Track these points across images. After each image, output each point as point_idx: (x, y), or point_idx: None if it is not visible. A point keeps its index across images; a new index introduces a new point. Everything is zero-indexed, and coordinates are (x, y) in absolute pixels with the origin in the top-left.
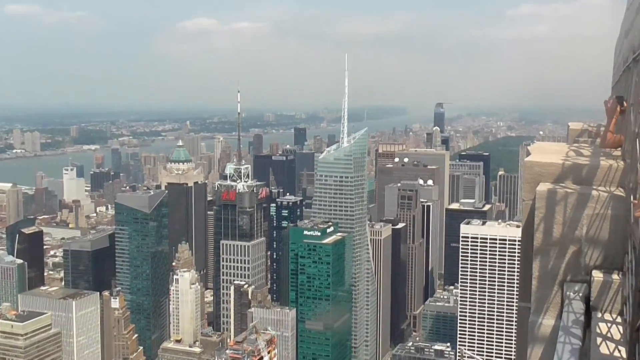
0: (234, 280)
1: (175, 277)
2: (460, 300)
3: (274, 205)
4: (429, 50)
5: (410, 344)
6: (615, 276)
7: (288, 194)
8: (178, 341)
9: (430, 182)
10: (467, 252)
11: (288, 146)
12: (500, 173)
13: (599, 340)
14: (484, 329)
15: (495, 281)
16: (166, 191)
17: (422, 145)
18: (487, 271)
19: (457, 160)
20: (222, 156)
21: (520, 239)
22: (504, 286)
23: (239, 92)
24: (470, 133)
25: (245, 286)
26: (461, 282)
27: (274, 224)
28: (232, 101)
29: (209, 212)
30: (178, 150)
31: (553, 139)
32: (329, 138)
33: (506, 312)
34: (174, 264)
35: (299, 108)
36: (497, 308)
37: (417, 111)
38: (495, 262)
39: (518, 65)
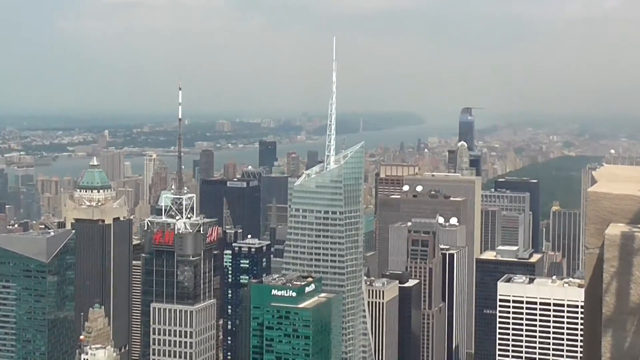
0: None
1: (84, 356)
2: None
3: (229, 252)
4: (449, 34)
5: None
6: None
7: (250, 236)
8: None
9: (454, 220)
10: (508, 323)
11: (250, 167)
12: (554, 208)
13: None
14: None
15: None
16: (73, 231)
17: (442, 167)
18: (537, 350)
19: (493, 190)
20: (156, 181)
21: (583, 304)
22: None
23: (180, 89)
24: (510, 151)
25: None
26: None
27: (229, 280)
28: (170, 103)
29: (134, 262)
30: (91, 171)
31: (629, 160)
32: (309, 156)
33: None
34: (82, 337)
35: (266, 113)
36: None
37: (435, 119)
38: (548, 338)
39: (578, 56)
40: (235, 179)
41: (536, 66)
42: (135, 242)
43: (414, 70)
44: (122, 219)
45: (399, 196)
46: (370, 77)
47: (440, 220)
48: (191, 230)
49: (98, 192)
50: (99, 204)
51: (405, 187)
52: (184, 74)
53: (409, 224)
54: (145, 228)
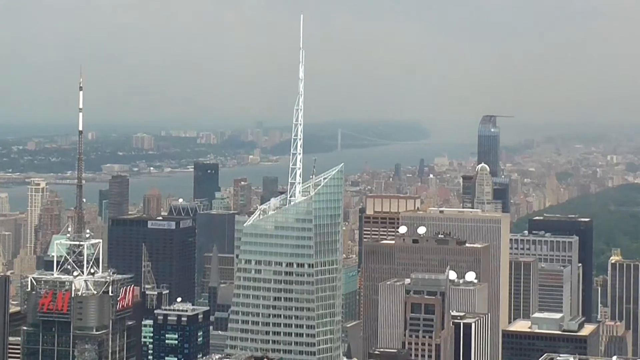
0: None
1: None
2: None
3: (150, 322)
4: (463, 18)
5: None
6: None
7: (179, 299)
8: None
9: (471, 276)
10: None
11: (182, 200)
12: (613, 259)
13: None
14: None
15: None
16: None
17: (455, 200)
18: None
19: (526, 233)
20: (45, 220)
21: None
22: None
23: (81, 89)
24: (551, 177)
25: None
26: None
27: None
28: (67, 110)
29: (11, 339)
30: None
31: None
32: (265, 184)
33: None
34: None
35: (204, 124)
36: None
37: (444, 132)
38: None
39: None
40: (160, 218)
41: (585, 60)
42: (13, 309)
43: (414, 63)
44: None
45: (392, 241)
46: (353, 73)
47: (452, 275)
48: (95, 292)
49: None
50: None
51: (402, 229)
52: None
53: (407, 281)
54: (29, 289)
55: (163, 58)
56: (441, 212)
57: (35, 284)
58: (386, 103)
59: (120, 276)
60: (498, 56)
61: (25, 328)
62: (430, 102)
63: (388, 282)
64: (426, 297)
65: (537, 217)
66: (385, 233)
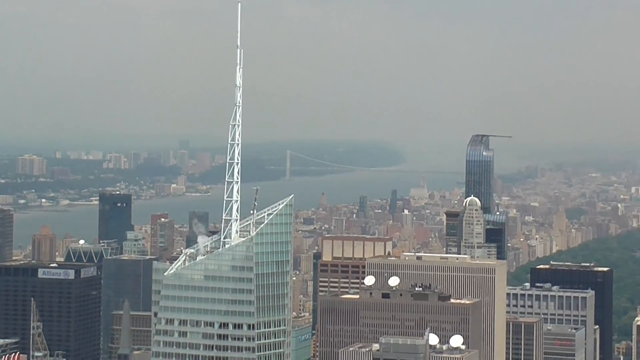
0: None
1: None
2: None
3: None
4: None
5: None
6: None
7: None
8: None
9: (457, 340)
10: None
11: (83, 242)
12: (639, 320)
13: None
14: None
15: None
16: None
17: (436, 242)
18: None
19: (528, 286)
20: None
21: None
22: None
23: None
24: (560, 215)
25: None
26: None
27: None
28: None
29: None
30: None
31: None
32: (192, 221)
33: None
34: None
35: (111, 144)
36: None
37: (423, 155)
38: None
39: None
40: (54, 265)
41: (602, 65)
42: None
43: (383, 66)
44: None
45: (356, 296)
46: (305, 79)
47: (433, 340)
48: None
49: None
50: None
51: (369, 280)
52: None
53: (376, 346)
54: None
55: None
56: (419, 258)
57: None
58: (348, 118)
59: (1, 340)
60: (492, 59)
61: None
62: (405, 117)
63: (351, 348)
64: None
65: (541, 266)
66: (346, 285)
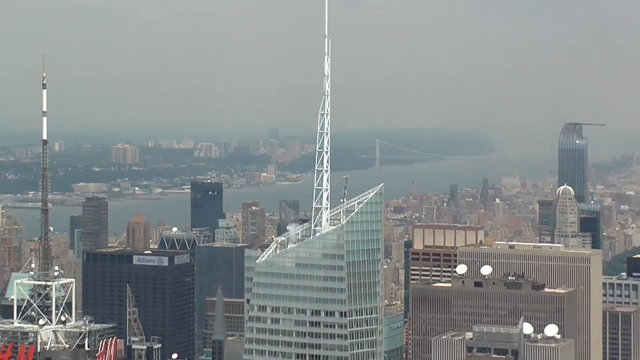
0: None
1: None
2: None
3: None
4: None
5: None
6: None
7: (175, 356)
8: None
9: (552, 329)
10: None
11: (176, 229)
12: None
13: None
14: None
15: None
16: None
17: (529, 231)
18: None
19: (625, 276)
20: (0, 254)
21: None
22: None
23: (44, 87)
24: None
25: None
26: None
27: None
28: (27, 114)
29: None
30: None
31: None
32: (282, 209)
33: None
34: None
35: (203, 132)
36: None
37: (514, 144)
38: None
39: None
40: (148, 252)
41: None
42: None
43: (472, 53)
44: None
45: (448, 284)
46: (393, 68)
47: (527, 329)
48: (67, 346)
49: None
50: None
51: (461, 268)
52: (53, 63)
53: (469, 335)
54: None
55: (150, 51)
56: (511, 247)
57: None
58: (438, 106)
59: (98, 325)
60: (583, 46)
61: None
62: (496, 105)
63: (443, 337)
64: (494, 356)
65: (638, 255)
66: (438, 273)
